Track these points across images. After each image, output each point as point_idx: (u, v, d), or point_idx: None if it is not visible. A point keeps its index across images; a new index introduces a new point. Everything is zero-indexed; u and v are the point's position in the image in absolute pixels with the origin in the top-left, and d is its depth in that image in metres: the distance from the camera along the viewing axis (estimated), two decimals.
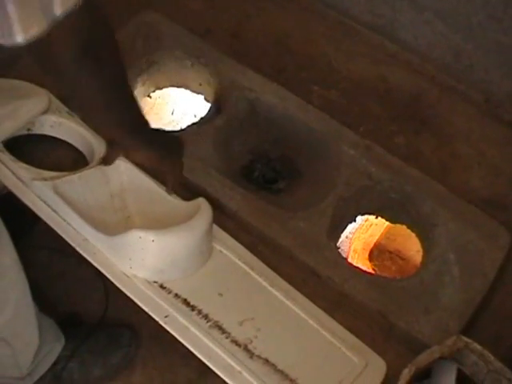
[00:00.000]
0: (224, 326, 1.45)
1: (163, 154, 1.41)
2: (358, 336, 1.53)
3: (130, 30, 1.94)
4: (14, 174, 1.55)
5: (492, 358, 1.37)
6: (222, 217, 1.65)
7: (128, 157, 1.48)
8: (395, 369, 1.42)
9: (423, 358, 1.38)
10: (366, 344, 1.53)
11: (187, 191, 1.64)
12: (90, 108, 1.23)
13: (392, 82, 1.95)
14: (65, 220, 1.50)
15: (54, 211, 1.51)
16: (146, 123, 1.33)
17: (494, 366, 1.37)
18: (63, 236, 1.48)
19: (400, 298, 1.57)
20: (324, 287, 1.60)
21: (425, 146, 1.84)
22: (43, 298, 1.43)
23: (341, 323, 1.54)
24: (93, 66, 1.07)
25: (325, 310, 1.55)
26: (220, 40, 2.01)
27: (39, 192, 1.52)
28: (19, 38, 0.88)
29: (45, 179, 1.53)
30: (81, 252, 1.47)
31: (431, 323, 1.54)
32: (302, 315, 1.53)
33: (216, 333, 1.43)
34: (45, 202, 1.52)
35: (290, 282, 1.58)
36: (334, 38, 2.03)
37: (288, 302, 1.54)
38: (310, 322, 1.52)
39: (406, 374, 1.34)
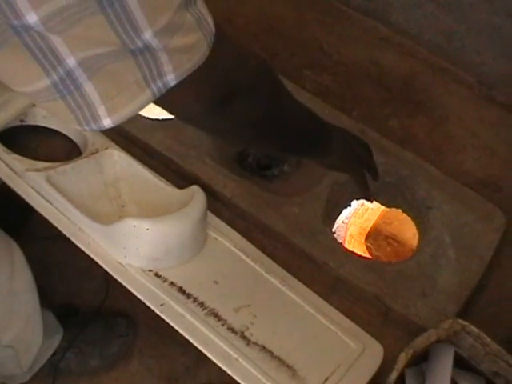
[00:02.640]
0: (220, 314, 1.45)
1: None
2: (354, 321, 1.54)
3: None
4: (7, 165, 1.54)
5: (489, 340, 1.36)
6: (217, 204, 1.65)
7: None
8: (393, 353, 1.42)
9: (420, 342, 1.38)
10: (362, 328, 1.53)
11: (181, 179, 1.65)
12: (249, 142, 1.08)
13: (385, 65, 1.94)
14: (59, 210, 1.50)
15: (48, 201, 1.51)
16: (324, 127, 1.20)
17: (491, 348, 1.37)
18: (57, 226, 1.48)
19: (396, 282, 1.57)
20: (320, 272, 1.60)
21: (419, 128, 1.84)
22: (39, 289, 1.43)
23: (337, 308, 1.55)
24: (237, 114, 0.86)
25: (321, 295, 1.55)
26: None
27: (33, 183, 1.52)
28: (106, 123, 0.73)
29: (38, 170, 1.53)
30: (75, 242, 1.46)
31: (428, 306, 1.54)
32: (298, 301, 1.53)
33: (212, 320, 1.43)
34: (39, 193, 1.51)
35: (286, 268, 1.58)
36: (325, 23, 2.02)
37: (284, 289, 1.54)
38: (306, 307, 1.52)
39: (403, 357, 1.33)
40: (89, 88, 0.68)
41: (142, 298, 1.42)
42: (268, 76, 0.92)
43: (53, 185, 1.50)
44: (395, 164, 1.71)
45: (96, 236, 1.47)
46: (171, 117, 1.81)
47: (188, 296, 1.46)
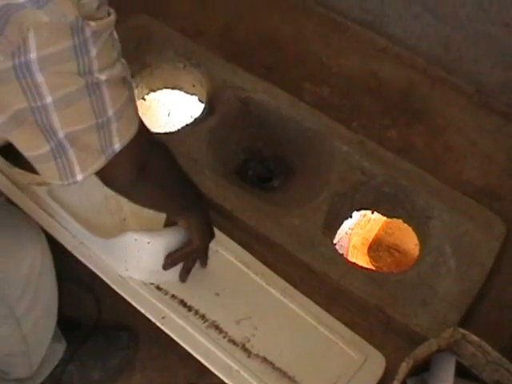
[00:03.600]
0: (221, 326, 1.45)
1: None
2: (355, 331, 1.54)
3: (122, 33, 1.90)
4: (9, 179, 1.55)
5: (490, 348, 1.36)
6: (218, 216, 1.65)
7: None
8: (394, 362, 1.42)
9: (421, 351, 1.38)
10: (364, 339, 1.53)
11: None
12: (154, 205, 1.33)
13: (383, 76, 1.95)
14: (60, 224, 1.50)
15: (50, 215, 1.51)
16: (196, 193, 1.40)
17: (492, 356, 1.37)
18: (59, 240, 1.48)
19: (397, 292, 1.58)
20: (321, 283, 1.60)
21: (417, 138, 1.84)
22: None
23: (338, 319, 1.55)
24: (150, 180, 1.15)
25: (322, 306, 1.56)
26: (211, 41, 2.02)
27: (34, 197, 1.52)
28: (79, 177, 1.00)
29: (40, 184, 1.54)
30: (77, 255, 1.47)
31: (429, 315, 1.54)
32: (299, 312, 1.53)
33: (213, 333, 1.43)
34: (40, 207, 1.52)
35: (287, 280, 1.58)
36: (323, 35, 2.03)
37: (285, 300, 1.54)
38: (307, 318, 1.52)
39: (404, 367, 1.34)
40: (71, 153, 0.96)
41: (143, 311, 1.42)
42: (166, 151, 1.23)
43: (54, 199, 1.51)
44: (394, 174, 1.71)
45: (97, 249, 1.47)
46: (172, 130, 1.85)
47: (189, 308, 1.46)
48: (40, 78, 0.84)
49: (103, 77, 0.91)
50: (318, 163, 1.78)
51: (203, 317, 1.45)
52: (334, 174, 1.72)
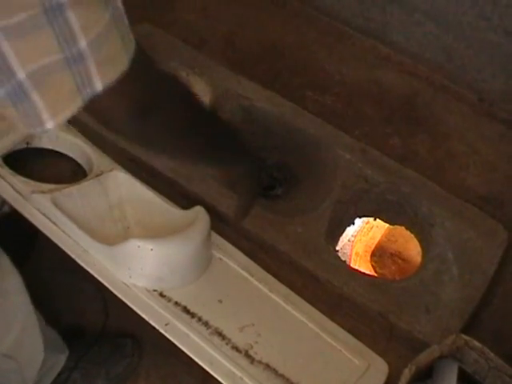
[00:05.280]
0: (224, 333, 1.46)
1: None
2: (359, 338, 1.54)
3: None
4: (12, 187, 1.57)
5: (492, 355, 1.36)
6: (221, 224, 1.66)
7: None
8: (397, 369, 1.42)
9: (423, 358, 1.38)
10: (367, 346, 1.53)
11: (185, 200, 1.66)
12: (165, 151, 1.15)
13: (385, 84, 1.95)
14: (64, 232, 1.52)
15: (54, 223, 1.53)
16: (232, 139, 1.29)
17: (494, 363, 1.37)
18: (63, 248, 1.50)
19: (400, 299, 1.58)
20: (324, 290, 1.61)
21: (420, 146, 1.85)
22: (45, 310, 1.45)
23: (341, 326, 1.55)
24: (155, 122, 0.98)
25: (325, 313, 1.56)
26: (214, 49, 2.02)
27: (38, 205, 1.54)
28: (49, 125, 0.83)
29: (44, 192, 1.55)
30: (80, 263, 1.48)
31: (432, 322, 1.54)
32: (302, 319, 1.53)
33: (216, 339, 1.44)
34: (44, 215, 1.53)
35: (290, 287, 1.59)
36: (326, 43, 2.04)
37: (288, 307, 1.55)
38: (310, 325, 1.53)
39: (407, 373, 1.34)
40: (34, 97, 0.78)
41: (146, 318, 1.43)
42: (181, 90, 1.06)
43: (58, 207, 1.52)
44: (397, 182, 1.72)
45: (101, 257, 1.49)
46: None
47: (192, 315, 1.47)
48: None
49: None
50: (321, 171, 1.79)
51: (206, 323, 1.47)
52: (337, 181, 1.73)
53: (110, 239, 1.53)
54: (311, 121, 1.82)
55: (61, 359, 1.50)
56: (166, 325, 1.43)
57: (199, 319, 1.47)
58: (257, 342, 1.47)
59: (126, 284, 1.47)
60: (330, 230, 1.68)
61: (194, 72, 1.92)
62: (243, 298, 1.56)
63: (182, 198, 1.67)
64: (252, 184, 1.39)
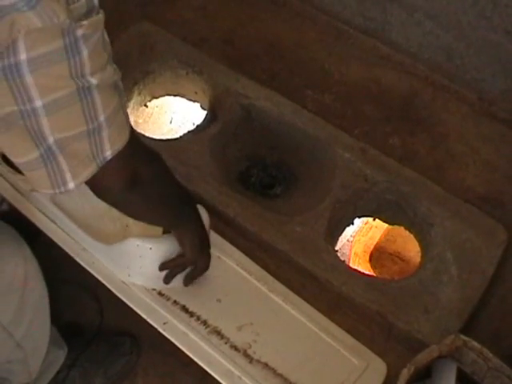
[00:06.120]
0: (223, 332, 1.45)
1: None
2: (357, 337, 1.54)
3: (125, 40, 1.95)
4: (12, 186, 1.56)
5: (491, 355, 1.37)
6: (220, 223, 1.65)
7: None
8: (396, 369, 1.42)
9: (422, 358, 1.38)
10: (366, 345, 1.53)
11: None
12: (145, 217, 1.29)
13: (385, 83, 1.95)
14: (63, 230, 1.51)
15: (53, 221, 1.52)
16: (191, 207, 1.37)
17: (493, 363, 1.37)
18: (62, 246, 1.49)
19: (399, 299, 1.58)
20: (323, 290, 1.61)
21: (420, 146, 1.85)
22: None
23: (340, 325, 1.55)
24: (141, 191, 1.12)
25: (324, 313, 1.56)
26: (214, 48, 2.02)
27: (37, 203, 1.53)
28: (71, 185, 0.98)
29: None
30: (79, 262, 1.48)
31: (431, 322, 1.55)
32: (301, 319, 1.53)
33: (215, 338, 1.44)
34: (43, 213, 1.53)
35: (289, 286, 1.58)
36: (326, 42, 2.04)
37: (286, 306, 1.54)
38: (309, 325, 1.53)
39: (405, 373, 1.34)
40: (61, 160, 0.94)
41: (145, 317, 1.43)
42: (160, 162, 1.20)
43: (57, 205, 1.52)
44: (396, 181, 1.72)
45: (100, 255, 1.48)
46: (174, 137, 1.85)
47: (191, 314, 1.46)
48: (30, 79, 0.83)
49: (95, 80, 0.90)
50: (320, 170, 1.79)
51: (205, 323, 1.46)
52: (337, 181, 1.73)
53: (109, 238, 1.52)
54: (310, 120, 1.82)
55: (60, 355, 1.50)
56: (165, 323, 1.42)
57: (198, 318, 1.46)
58: (255, 341, 1.46)
59: (124, 283, 1.46)
60: (329, 230, 1.68)
61: (193, 70, 1.92)
62: (242, 296, 1.55)
63: None
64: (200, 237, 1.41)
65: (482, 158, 1.82)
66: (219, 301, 1.51)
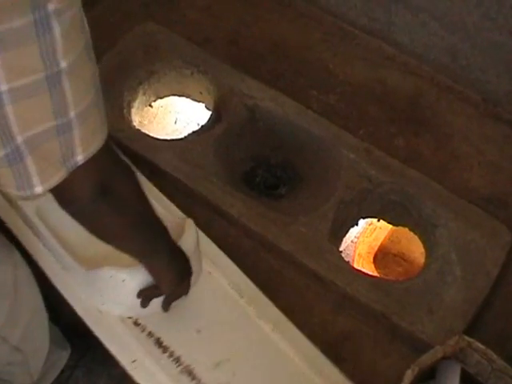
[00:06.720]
0: (195, 371, 1.37)
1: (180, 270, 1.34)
2: (361, 338, 1.54)
3: (130, 40, 1.95)
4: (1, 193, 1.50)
5: (495, 356, 1.36)
6: (224, 223, 1.66)
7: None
8: (400, 370, 1.41)
9: (426, 359, 1.38)
10: (369, 346, 1.53)
11: (189, 199, 1.66)
12: (113, 239, 1.16)
13: (390, 84, 1.95)
14: (45, 246, 1.47)
15: (35, 235, 1.48)
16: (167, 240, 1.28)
17: (497, 364, 1.36)
18: (39, 263, 1.45)
19: (403, 300, 1.58)
20: (327, 291, 1.60)
21: (424, 147, 1.84)
22: (47, 308, 1.44)
23: (344, 325, 1.55)
24: (111, 205, 1.05)
25: (328, 314, 1.56)
26: (218, 48, 2.02)
27: (22, 214, 1.50)
28: (38, 190, 0.90)
29: (26, 198, 1.49)
30: (54, 283, 1.43)
31: (435, 323, 1.54)
32: (289, 353, 1.44)
33: (185, 379, 1.36)
34: (27, 225, 1.49)
35: (293, 287, 1.59)
36: (330, 43, 2.04)
37: (274, 336, 1.46)
38: (297, 360, 1.43)
39: (409, 374, 1.33)
40: (29, 161, 0.86)
41: (113, 352, 1.37)
42: (133, 178, 1.11)
43: (41, 219, 1.47)
44: (401, 182, 1.72)
45: (76, 279, 1.42)
46: (178, 137, 1.85)
47: (164, 349, 1.40)
48: None
49: (65, 64, 0.79)
50: (324, 171, 1.79)
51: (178, 360, 1.39)
52: (341, 181, 1.73)
53: (89, 262, 1.43)
54: (315, 120, 1.82)
55: (63, 356, 1.50)
56: (133, 362, 1.35)
57: (171, 354, 1.39)
58: (229, 383, 1.38)
59: (99, 310, 1.40)
60: (333, 230, 1.68)
61: (198, 70, 1.92)
62: (225, 326, 1.47)
63: (185, 197, 1.67)
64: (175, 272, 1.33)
65: (487, 159, 1.82)
66: (199, 331, 1.44)
